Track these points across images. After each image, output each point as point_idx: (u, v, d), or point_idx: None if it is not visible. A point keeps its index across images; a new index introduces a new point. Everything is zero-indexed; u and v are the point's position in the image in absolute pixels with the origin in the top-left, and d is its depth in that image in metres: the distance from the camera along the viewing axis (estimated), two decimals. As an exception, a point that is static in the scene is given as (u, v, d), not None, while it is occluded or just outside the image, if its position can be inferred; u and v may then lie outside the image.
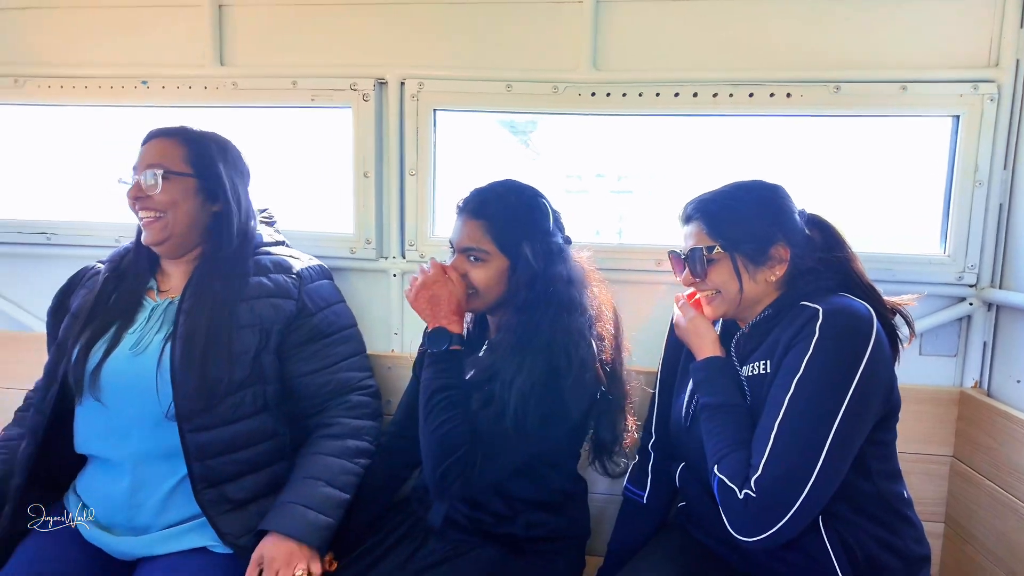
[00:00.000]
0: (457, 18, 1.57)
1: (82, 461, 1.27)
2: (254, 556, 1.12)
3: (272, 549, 1.11)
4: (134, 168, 1.23)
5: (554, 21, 1.54)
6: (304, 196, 1.78)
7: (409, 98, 1.57)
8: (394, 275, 1.65)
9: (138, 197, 1.20)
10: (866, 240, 1.41)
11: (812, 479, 0.95)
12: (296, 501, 1.16)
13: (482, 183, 1.26)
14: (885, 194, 1.60)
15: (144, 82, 1.65)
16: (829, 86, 1.46)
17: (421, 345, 1.44)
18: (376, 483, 1.33)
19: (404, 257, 1.64)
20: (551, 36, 1.55)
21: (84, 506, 1.22)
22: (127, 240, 1.68)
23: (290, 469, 1.26)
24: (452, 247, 1.25)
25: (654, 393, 1.38)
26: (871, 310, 1.05)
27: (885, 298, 1.13)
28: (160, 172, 1.19)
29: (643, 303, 1.57)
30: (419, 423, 1.17)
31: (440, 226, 1.65)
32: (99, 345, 1.19)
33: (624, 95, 1.52)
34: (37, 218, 1.77)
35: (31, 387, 1.71)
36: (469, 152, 1.72)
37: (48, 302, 1.78)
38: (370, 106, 1.58)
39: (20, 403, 1.69)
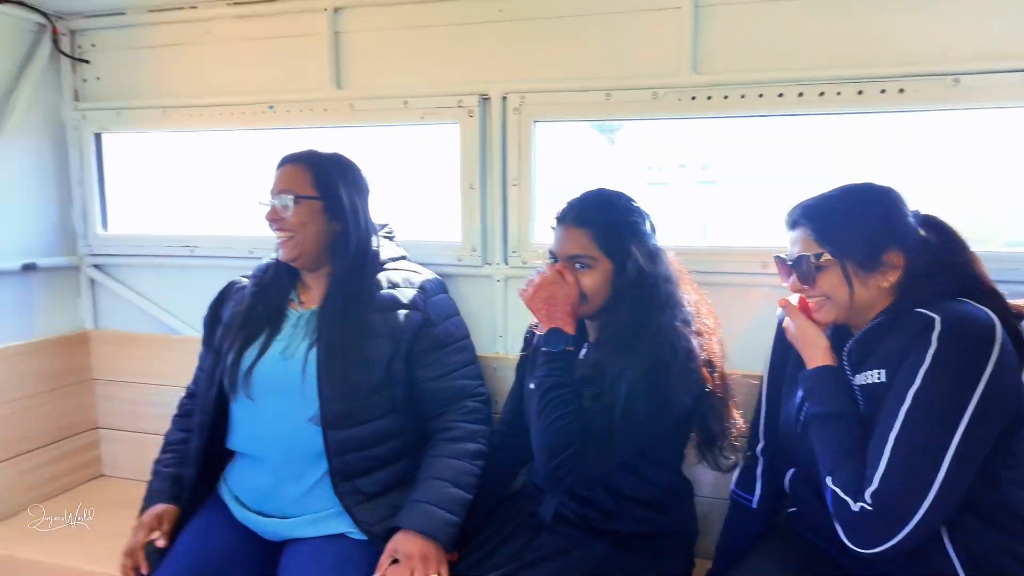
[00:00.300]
0: (556, 32, 1.62)
1: (231, 454, 1.44)
2: (388, 548, 1.22)
3: (407, 545, 1.21)
4: (271, 191, 1.37)
5: (652, 28, 1.56)
6: (412, 207, 1.90)
7: (511, 112, 1.65)
8: (498, 280, 1.73)
9: (274, 219, 1.34)
10: (988, 239, 1.34)
11: (931, 492, 0.93)
12: (427, 500, 1.27)
13: (575, 194, 1.31)
14: (1010, 189, 1.52)
15: (271, 107, 1.82)
16: (946, 79, 1.40)
17: (522, 350, 1.51)
18: (488, 481, 1.41)
19: (507, 263, 1.72)
20: (649, 43, 1.57)
21: (235, 495, 1.38)
22: (259, 251, 1.87)
23: (413, 466, 1.37)
24: (553, 257, 1.30)
25: (760, 397, 1.39)
26: (993, 316, 1.01)
27: (1010, 301, 1.08)
28: (291, 197, 1.33)
29: (742, 306, 1.56)
30: (531, 419, 1.24)
31: (539, 233, 1.72)
32: (251, 350, 1.34)
33: (726, 97, 1.52)
34: (182, 233, 1.98)
35: (180, 382, 1.93)
36: (557, 154, 1.76)
37: (192, 308, 2.00)
38: (475, 121, 1.67)
39: (170, 394, 1.92)
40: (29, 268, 1.92)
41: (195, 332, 1.97)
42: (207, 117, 1.88)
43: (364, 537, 1.28)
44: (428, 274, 1.51)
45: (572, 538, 1.28)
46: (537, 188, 1.70)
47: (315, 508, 1.31)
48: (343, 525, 1.29)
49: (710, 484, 1.54)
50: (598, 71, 1.60)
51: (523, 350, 1.51)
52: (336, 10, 1.74)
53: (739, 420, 1.32)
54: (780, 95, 1.49)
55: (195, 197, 2.12)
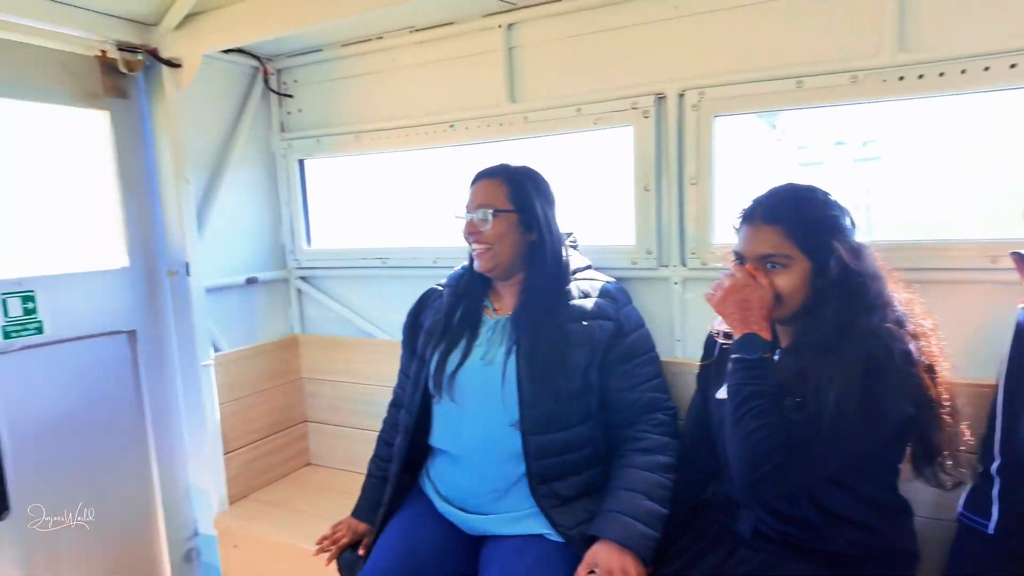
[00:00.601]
0: (735, 23, 1.55)
1: (431, 448, 1.53)
2: (587, 558, 1.24)
3: (607, 557, 1.22)
4: (466, 206, 1.45)
5: (849, 7, 1.44)
6: (578, 212, 1.92)
7: (689, 109, 1.60)
8: (675, 283, 1.69)
9: (471, 232, 1.42)
10: None
11: None
12: (623, 512, 1.27)
13: (751, 190, 1.25)
14: None
15: (451, 125, 1.93)
16: None
17: (703, 359, 1.46)
18: (677, 493, 1.38)
19: (685, 265, 1.68)
20: (846, 23, 1.45)
21: (436, 490, 1.48)
22: (442, 261, 1.99)
23: (604, 473, 1.39)
24: (739, 258, 1.24)
25: (995, 409, 1.22)
26: None
27: None
28: (490, 211, 1.39)
29: (962, 306, 1.39)
30: (726, 430, 1.19)
31: (719, 233, 1.65)
32: (454, 355, 1.43)
33: (942, 75, 1.36)
34: (374, 246, 2.17)
35: (375, 381, 2.12)
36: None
37: (384, 314, 2.19)
38: (650, 122, 1.64)
39: (367, 392, 2.10)
40: (251, 282, 2.21)
41: (388, 336, 2.16)
42: (394, 138, 2.04)
43: (560, 540, 1.32)
44: (614, 283, 1.52)
45: (775, 555, 1.22)
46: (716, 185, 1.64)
47: (513, 507, 1.36)
48: (540, 526, 1.34)
49: (929, 503, 1.38)
50: (788, 58, 1.51)
51: (704, 358, 1.46)
52: (510, 26, 1.80)
53: (965, 433, 1.18)
54: (986, 69, 1.31)
55: (384, 212, 2.31)
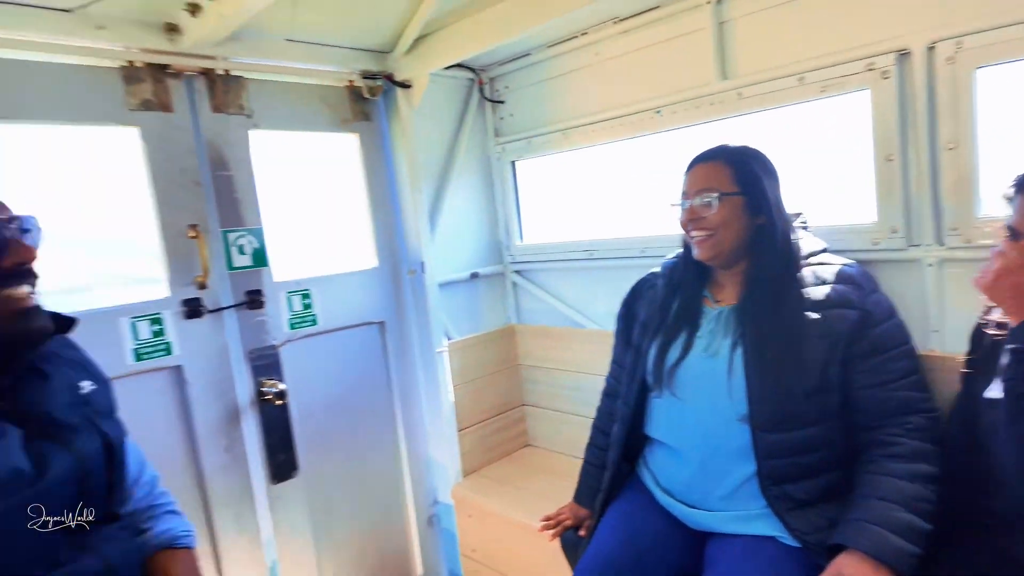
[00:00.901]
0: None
1: (647, 438, 1.52)
2: (832, 569, 1.12)
3: (859, 570, 1.09)
4: (684, 193, 1.39)
5: None
6: (806, 190, 1.75)
7: (943, 63, 1.37)
8: (929, 265, 1.47)
9: (692, 219, 1.35)
10: None
11: None
12: (873, 522, 1.13)
13: None
14: None
15: (658, 111, 1.90)
16: None
17: (969, 352, 1.24)
18: (941, 507, 1.20)
19: (942, 244, 1.44)
20: None
21: (656, 481, 1.46)
22: (650, 251, 1.98)
23: (845, 479, 1.25)
24: (1014, 233, 1.04)
25: None
26: None
27: None
28: (715, 195, 1.31)
29: None
30: (1000, 433, 1.02)
31: (987, 205, 1.39)
32: (674, 348, 1.39)
33: None
34: (581, 239, 2.23)
35: (585, 369, 2.18)
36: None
37: (593, 305, 2.24)
38: (890, 83, 1.44)
39: (578, 379, 2.16)
40: (474, 276, 2.42)
41: (597, 326, 2.21)
42: (600, 131, 2.07)
43: (795, 544, 1.23)
44: (855, 266, 1.36)
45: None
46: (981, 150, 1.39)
47: (742, 506, 1.30)
48: (772, 528, 1.26)
49: None
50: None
51: (970, 351, 1.25)
52: (719, 0, 1.71)
53: None
54: None
55: (590, 205, 2.36)
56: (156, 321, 1.68)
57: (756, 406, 1.25)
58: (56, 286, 1.62)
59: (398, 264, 2.24)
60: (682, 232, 1.43)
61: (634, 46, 1.94)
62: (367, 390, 2.19)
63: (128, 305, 1.64)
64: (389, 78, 2.11)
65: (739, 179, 1.32)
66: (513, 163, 2.43)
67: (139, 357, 1.65)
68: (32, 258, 0.93)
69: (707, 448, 1.33)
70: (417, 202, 2.16)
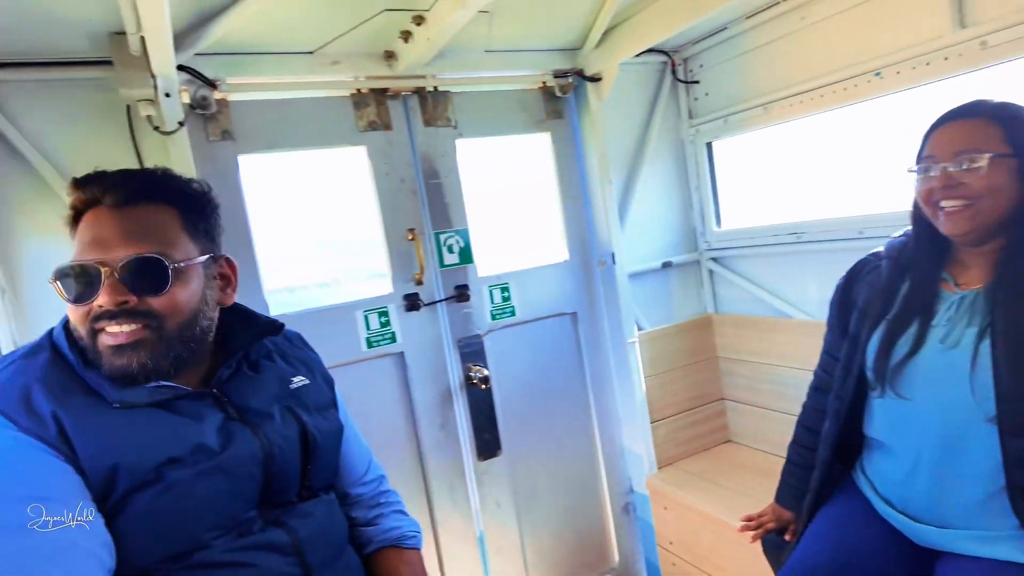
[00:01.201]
0: None
1: (864, 439, 1.36)
2: None
3: None
4: (927, 157, 1.17)
5: None
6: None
7: None
8: None
9: (946, 186, 1.13)
10: None
11: None
12: None
13: None
14: None
15: (877, 73, 1.68)
16: None
17: None
18: None
19: None
20: None
21: (874, 488, 1.30)
22: (869, 231, 1.77)
23: None
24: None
25: None
26: None
27: None
28: (984, 156, 1.09)
29: None
30: None
31: None
32: (903, 340, 1.21)
33: None
34: (788, 221, 2.07)
35: (794, 363, 2.03)
36: None
37: (800, 292, 2.08)
38: None
39: (785, 375, 2.03)
40: (667, 266, 2.37)
41: (805, 316, 2.03)
42: (806, 103, 1.89)
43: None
44: None
45: None
46: None
47: (984, 525, 1.11)
48: (1021, 552, 1.07)
49: None
50: None
51: None
52: (956, -65, 1.47)
53: None
54: None
55: (795, 185, 2.17)
56: (383, 314, 1.94)
57: (1007, 406, 1.05)
58: (314, 280, 1.98)
59: (588, 256, 2.29)
60: (912, 208, 1.24)
61: (846, 4, 1.74)
62: (562, 378, 2.28)
63: (362, 300, 1.92)
64: (579, 74, 2.16)
65: (1011, 139, 1.10)
66: (709, 145, 2.33)
67: (370, 344, 1.92)
68: (121, 300, 0.92)
69: (942, 455, 1.15)
70: (607, 194, 2.18)
